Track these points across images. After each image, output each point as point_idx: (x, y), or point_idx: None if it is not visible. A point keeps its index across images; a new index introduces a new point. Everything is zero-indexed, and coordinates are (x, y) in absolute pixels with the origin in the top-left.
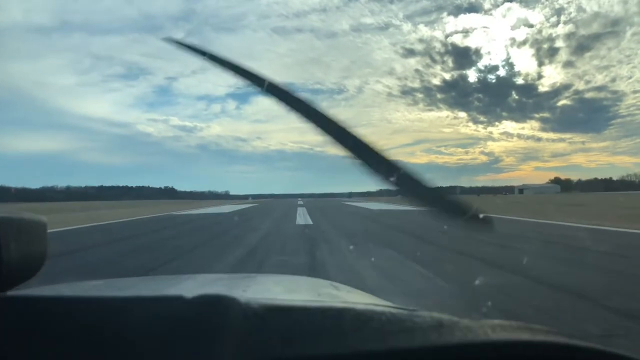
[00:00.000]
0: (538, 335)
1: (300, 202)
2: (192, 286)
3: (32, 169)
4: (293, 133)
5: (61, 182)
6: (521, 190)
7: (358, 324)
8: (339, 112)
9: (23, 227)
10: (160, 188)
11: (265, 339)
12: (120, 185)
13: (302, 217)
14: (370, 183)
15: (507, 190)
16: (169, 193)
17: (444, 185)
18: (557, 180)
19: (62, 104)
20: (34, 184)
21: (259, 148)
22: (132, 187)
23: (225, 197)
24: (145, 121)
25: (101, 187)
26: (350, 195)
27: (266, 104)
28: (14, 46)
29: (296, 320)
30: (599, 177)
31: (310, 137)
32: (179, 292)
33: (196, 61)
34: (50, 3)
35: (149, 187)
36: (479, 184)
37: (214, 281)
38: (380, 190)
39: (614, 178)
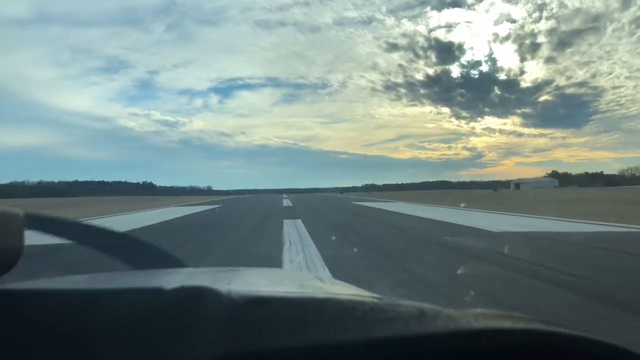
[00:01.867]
0: (519, 323)
1: (286, 201)
2: (176, 279)
3: (3, 163)
4: (277, 128)
5: (36, 177)
6: (517, 184)
7: (339, 314)
8: (323, 107)
9: None
10: (137, 183)
11: (245, 330)
12: (96, 180)
13: None
14: (354, 178)
15: (503, 185)
16: (147, 188)
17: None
18: (554, 174)
19: (40, 98)
20: (3, 179)
21: (243, 143)
22: (107, 182)
23: (208, 192)
24: (127, 115)
25: (75, 182)
26: (342, 191)
27: (250, 98)
28: None
29: (276, 311)
30: (582, 172)
31: (294, 131)
32: (162, 285)
33: (177, 54)
34: None
35: (125, 182)
36: (464, 179)
37: (199, 274)
38: (367, 185)
39: (605, 172)
